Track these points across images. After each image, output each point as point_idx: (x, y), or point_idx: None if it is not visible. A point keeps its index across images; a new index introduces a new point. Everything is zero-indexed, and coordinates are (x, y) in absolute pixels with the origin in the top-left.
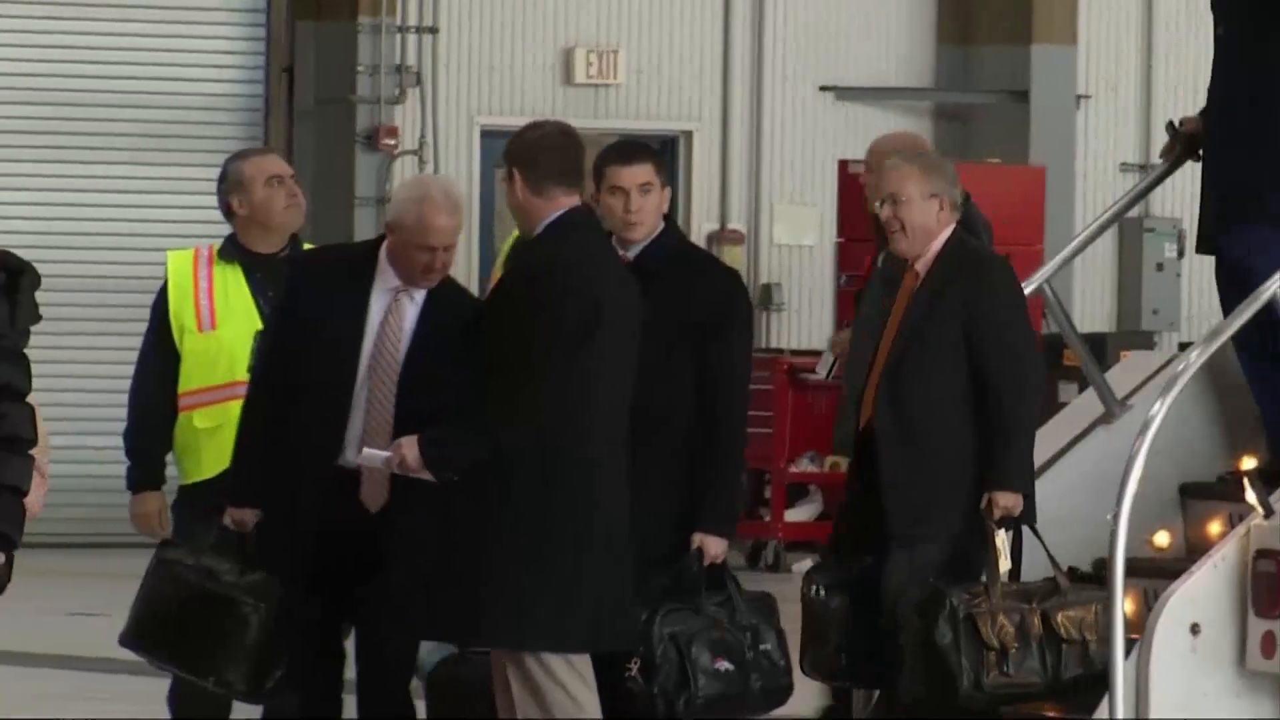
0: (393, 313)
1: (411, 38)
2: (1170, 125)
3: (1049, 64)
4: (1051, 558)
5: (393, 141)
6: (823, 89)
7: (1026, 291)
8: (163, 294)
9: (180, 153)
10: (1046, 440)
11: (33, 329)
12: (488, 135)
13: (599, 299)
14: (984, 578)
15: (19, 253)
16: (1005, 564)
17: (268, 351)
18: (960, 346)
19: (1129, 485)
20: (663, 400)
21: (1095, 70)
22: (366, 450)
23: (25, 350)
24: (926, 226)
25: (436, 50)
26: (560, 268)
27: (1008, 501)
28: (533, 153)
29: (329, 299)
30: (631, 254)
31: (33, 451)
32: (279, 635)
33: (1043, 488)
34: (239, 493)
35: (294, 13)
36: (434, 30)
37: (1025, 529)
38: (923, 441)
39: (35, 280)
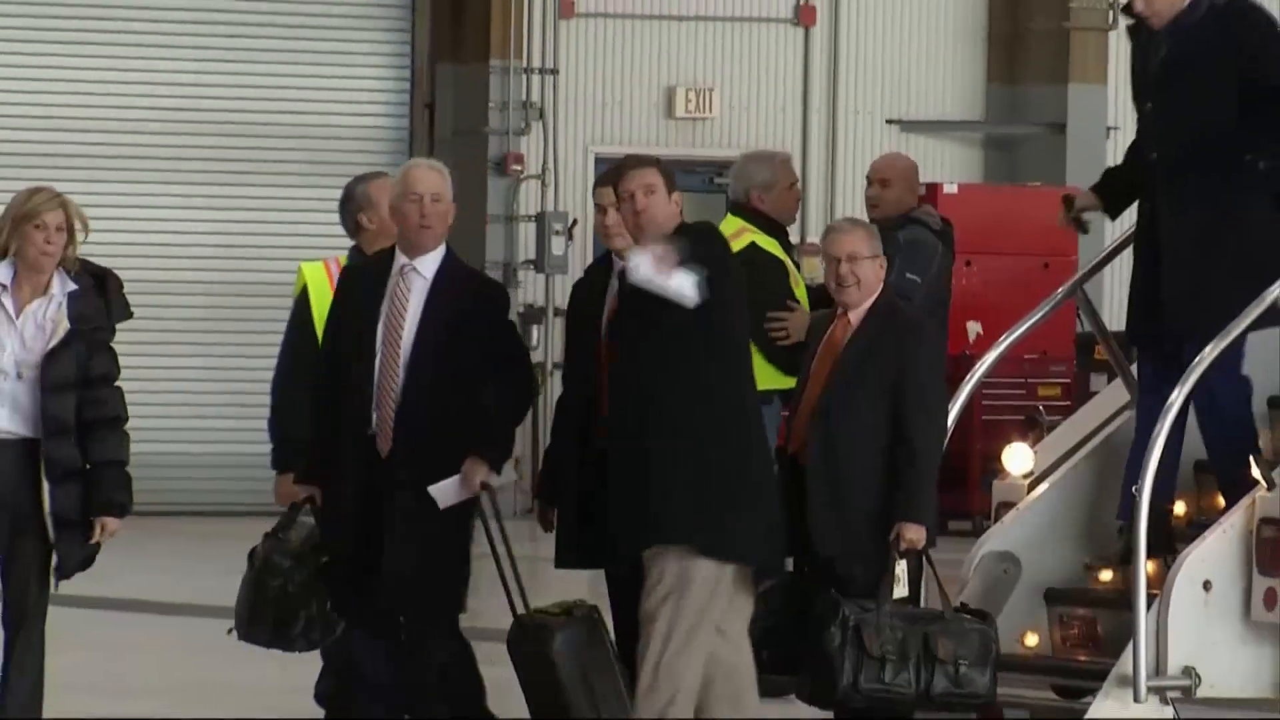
0: (399, 286)
1: (535, 78)
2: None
3: (1083, 101)
4: (943, 590)
5: (519, 168)
6: (889, 122)
7: (1063, 292)
8: (304, 298)
9: (336, 177)
10: (1079, 424)
11: (215, 329)
12: (601, 162)
13: None
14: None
15: (202, 262)
16: (902, 590)
17: (323, 343)
18: (885, 398)
19: (1151, 462)
20: None
21: (1122, 106)
22: (433, 489)
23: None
24: (869, 283)
25: (557, 89)
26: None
27: (913, 534)
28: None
29: (360, 290)
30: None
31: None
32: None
33: (1076, 464)
34: (310, 472)
35: (435, 56)
36: (555, 71)
37: (925, 560)
38: (845, 474)
39: (119, 282)
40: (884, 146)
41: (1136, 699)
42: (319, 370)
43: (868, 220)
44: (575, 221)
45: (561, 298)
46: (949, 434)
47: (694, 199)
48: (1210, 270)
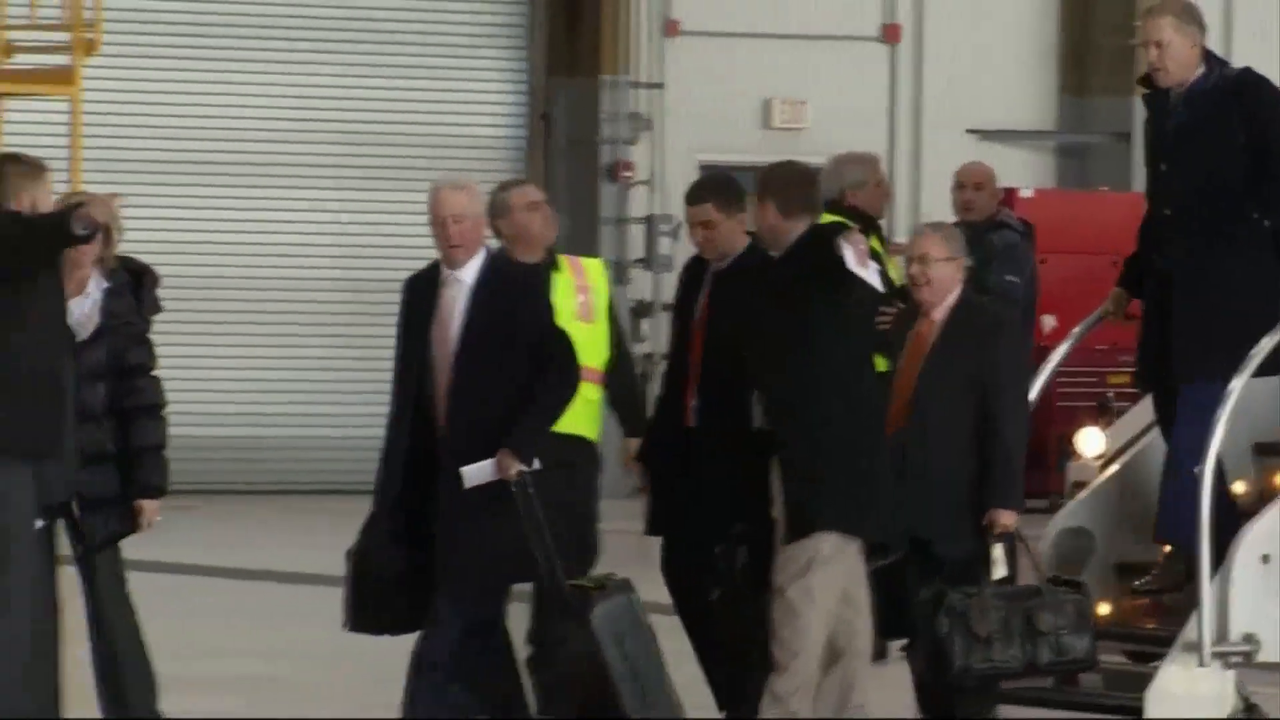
0: (443, 294)
1: (643, 91)
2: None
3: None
4: (1037, 566)
5: (629, 174)
6: (968, 131)
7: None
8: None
9: None
10: (1146, 409)
11: (351, 322)
12: (704, 168)
13: None
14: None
15: (336, 260)
16: (1001, 571)
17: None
18: (971, 394)
19: (1213, 444)
20: None
21: None
22: (467, 470)
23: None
24: (942, 283)
25: (663, 101)
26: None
27: (1006, 519)
28: (783, 186)
29: (415, 303)
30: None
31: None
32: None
33: (1144, 446)
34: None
35: (550, 71)
36: (660, 85)
37: (1018, 541)
38: (936, 465)
39: (154, 279)
40: (964, 154)
41: (1201, 663)
42: (394, 381)
43: (955, 223)
44: (680, 224)
45: (669, 294)
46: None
47: None
48: (1215, 320)
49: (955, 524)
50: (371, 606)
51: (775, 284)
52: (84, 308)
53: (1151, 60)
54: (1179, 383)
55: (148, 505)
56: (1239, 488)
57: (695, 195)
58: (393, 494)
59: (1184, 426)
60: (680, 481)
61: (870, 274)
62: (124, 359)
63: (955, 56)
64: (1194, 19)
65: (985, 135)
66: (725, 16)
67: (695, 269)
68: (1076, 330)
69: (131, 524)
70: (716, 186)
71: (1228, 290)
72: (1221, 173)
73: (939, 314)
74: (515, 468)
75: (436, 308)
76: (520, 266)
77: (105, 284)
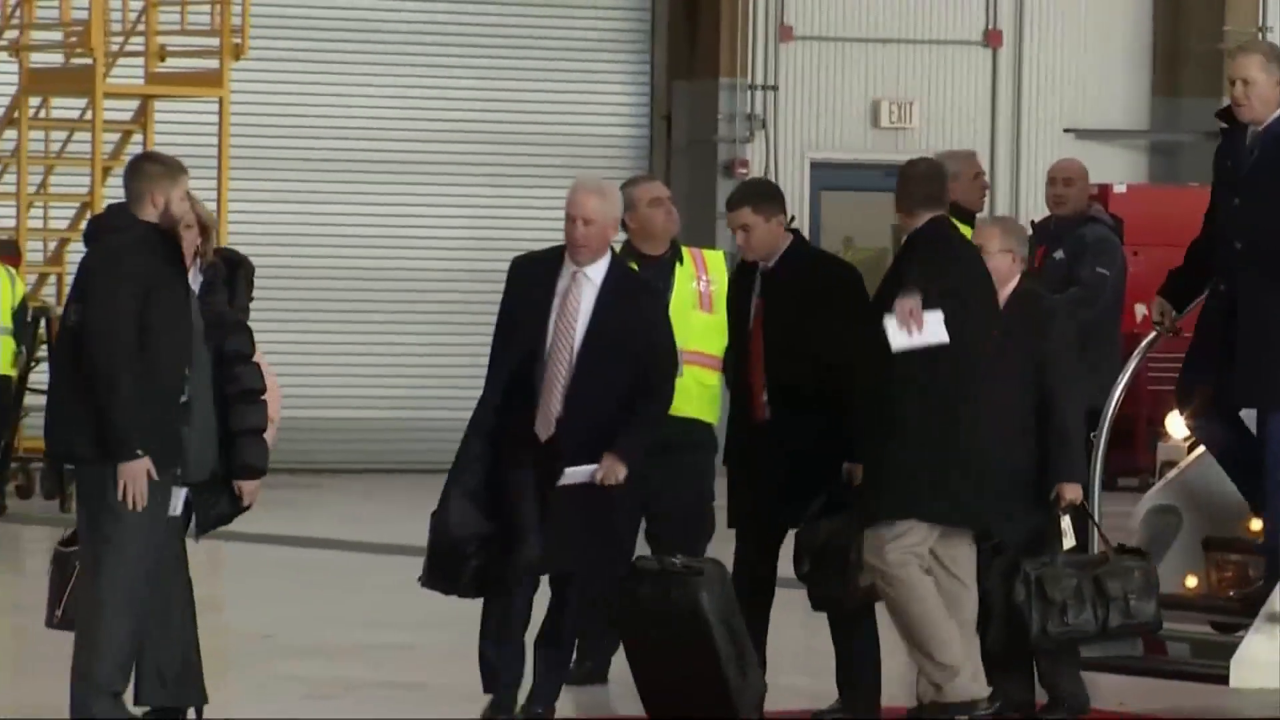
0: (571, 291)
1: (759, 93)
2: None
3: None
4: (1104, 536)
5: (744, 171)
6: (1066, 130)
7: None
8: None
9: None
10: None
11: (482, 312)
12: (815, 166)
13: None
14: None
15: (474, 255)
16: (1070, 541)
17: (499, 328)
18: (1026, 377)
19: None
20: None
21: None
22: (569, 471)
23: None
24: (1001, 273)
25: (777, 102)
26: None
27: (1072, 493)
28: (904, 182)
29: (531, 287)
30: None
31: (265, 398)
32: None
33: None
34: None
35: (671, 74)
36: (775, 88)
37: (1086, 514)
38: (995, 449)
39: (248, 270)
40: (1061, 152)
41: None
42: (492, 363)
43: (1046, 217)
44: (794, 218)
45: None
46: (1120, 402)
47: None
48: (1276, 354)
49: (1008, 503)
50: (443, 568)
51: (897, 274)
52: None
53: (1236, 96)
54: (1239, 406)
55: (247, 486)
56: None
57: (734, 201)
58: (480, 465)
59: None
60: (756, 477)
61: (931, 332)
62: (222, 347)
63: (1053, 60)
64: (1279, 59)
65: (1081, 134)
66: (836, 22)
67: (745, 270)
68: None
69: (238, 504)
70: (752, 192)
71: None
72: None
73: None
74: (621, 474)
75: (559, 300)
76: (640, 278)
77: (199, 279)
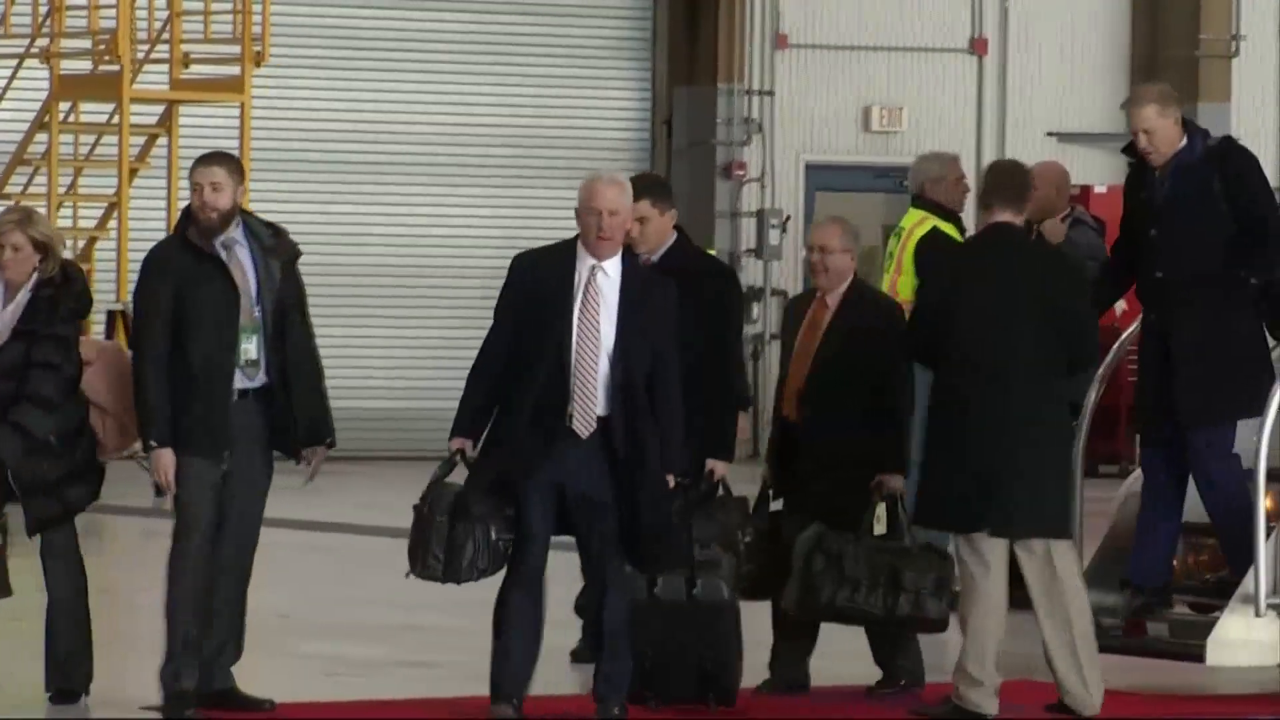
0: (591, 285)
1: (755, 98)
2: None
3: (1210, 117)
4: (910, 531)
5: (742, 173)
6: (1049, 134)
7: None
8: None
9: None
10: None
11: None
12: (810, 168)
13: None
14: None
15: (487, 251)
16: (880, 528)
17: (501, 317)
18: (867, 370)
19: (1270, 412)
20: None
21: (1244, 120)
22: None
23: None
24: (839, 271)
25: (773, 107)
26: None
27: (894, 483)
28: (987, 176)
29: (544, 282)
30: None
31: (106, 405)
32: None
33: None
34: (463, 428)
35: (671, 81)
36: (770, 93)
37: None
38: (833, 436)
39: (75, 285)
40: (1044, 155)
41: (1257, 614)
42: (494, 341)
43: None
44: (789, 217)
45: (777, 281)
46: (1102, 390)
47: (887, 198)
48: (1212, 373)
49: (846, 489)
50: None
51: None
52: (4, 314)
53: (1143, 147)
54: (1186, 428)
55: None
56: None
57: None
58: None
59: (1207, 464)
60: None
61: None
62: (30, 355)
63: (1036, 67)
64: (1172, 100)
65: (1063, 138)
66: (830, 31)
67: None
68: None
69: (70, 506)
70: (651, 185)
71: (1223, 342)
72: (1208, 237)
73: (832, 299)
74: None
75: (581, 292)
76: (654, 271)
77: (29, 296)
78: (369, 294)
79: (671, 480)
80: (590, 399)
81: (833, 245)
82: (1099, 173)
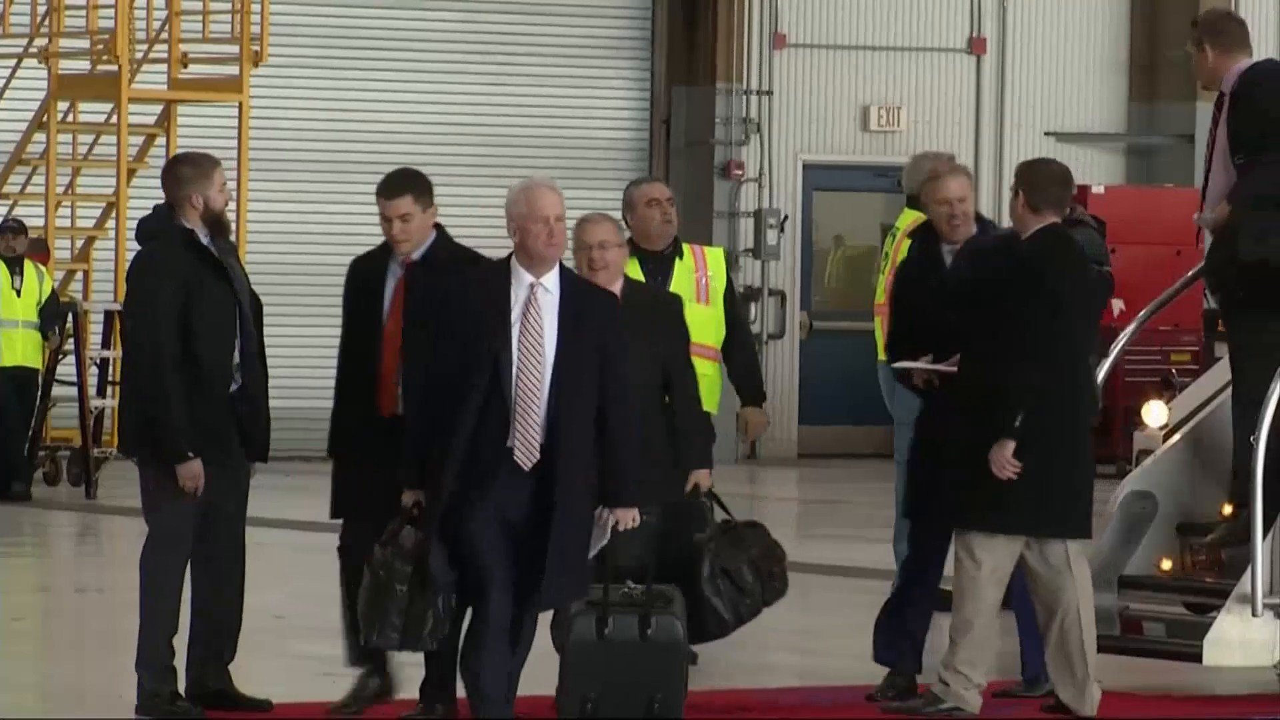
0: (531, 304)
1: (753, 98)
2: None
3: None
4: (729, 516)
5: (740, 172)
6: (1047, 134)
7: (1190, 275)
8: None
9: (590, 180)
10: (1206, 385)
11: None
12: (808, 168)
13: None
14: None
15: (482, 251)
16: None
17: (410, 331)
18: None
19: (1267, 412)
20: None
21: None
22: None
23: None
24: (615, 265)
25: (771, 107)
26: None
27: (701, 478)
28: (1035, 179)
29: (479, 300)
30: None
31: None
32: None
33: (1203, 419)
34: (413, 479)
35: (670, 80)
36: (769, 93)
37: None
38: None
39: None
40: (1043, 154)
41: (1254, 614)
42: (416, 373)
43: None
44: (786, 217)
45: (775, 281)
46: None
47: (885, 198)
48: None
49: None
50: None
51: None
52: None
53: (955, 217)
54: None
55: None
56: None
57: (394, 189)
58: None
59: None
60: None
61: None
62: None
63: (1034, 67)
64: (966, 173)
65: (1062, 138)
66: (828, 30)
67: (377, 259)
68: (1142, 313)
69: None
70: (413, 182)
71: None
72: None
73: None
74: (630, 520)
75: (520, 315)
76: (592, 283)
77: None
78: None
79: (631, 515)
80: (533, 429)
81: (611, 240)
82: (1097, 173)
